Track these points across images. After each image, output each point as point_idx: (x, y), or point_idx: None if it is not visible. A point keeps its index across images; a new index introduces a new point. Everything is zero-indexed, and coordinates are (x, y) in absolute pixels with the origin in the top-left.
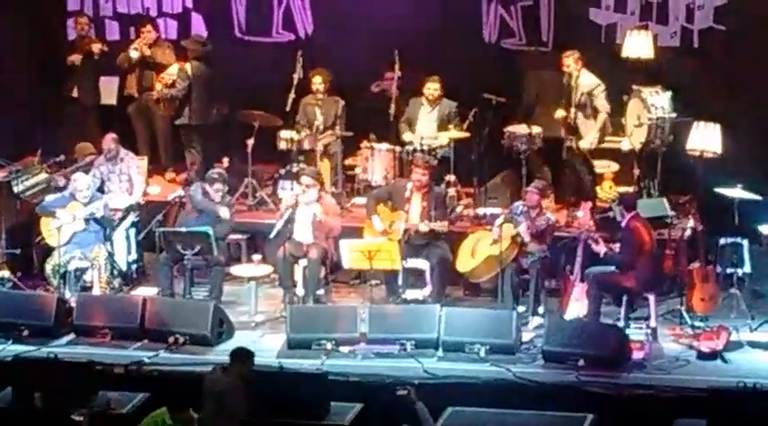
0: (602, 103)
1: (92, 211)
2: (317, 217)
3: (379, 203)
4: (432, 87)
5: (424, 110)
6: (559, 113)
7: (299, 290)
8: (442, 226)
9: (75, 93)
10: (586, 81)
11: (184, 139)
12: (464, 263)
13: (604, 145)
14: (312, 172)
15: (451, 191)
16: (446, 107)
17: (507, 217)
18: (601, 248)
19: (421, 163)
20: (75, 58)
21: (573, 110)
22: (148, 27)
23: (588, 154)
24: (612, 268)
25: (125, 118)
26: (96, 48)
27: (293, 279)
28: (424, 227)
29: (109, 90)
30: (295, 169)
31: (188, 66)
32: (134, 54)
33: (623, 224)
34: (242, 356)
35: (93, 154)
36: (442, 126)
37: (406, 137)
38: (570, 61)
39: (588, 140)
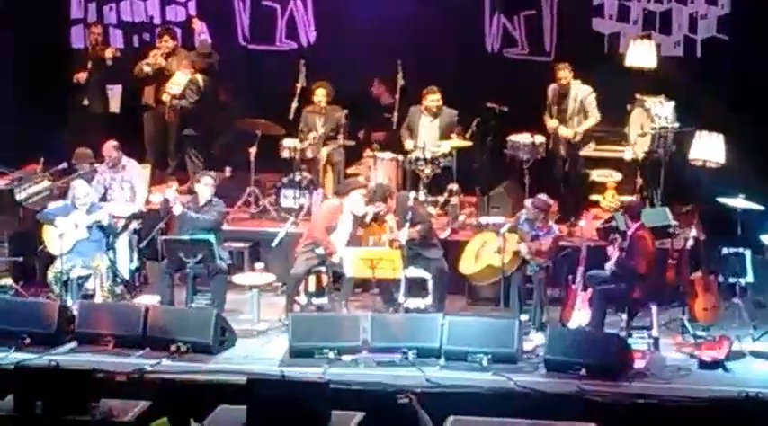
0: (594, 110)
1: (97, 219)
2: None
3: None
4: (433, 99)
5: (426, 119)
6: (552, 123)
7: (302, 299)
8: (419, 231)
9: (85, 102)
10: (580, 89)
11: (188, 148)
12: (466, 265)
13: (607, 154)
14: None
15: (454, 200)
16: (447, 116)
17: (513, 226)
18: (615, 253)
19: (377, 197)
20: (81, 77)
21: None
22: (166, 37)
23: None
24: (609, 275)
25: (129, 126)
26: (110, 52)
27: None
28: (403, 237)
29: (113, 98)
30: (297, 178)
31: (199, 78)
32: (147, 68)
33: (630, 233)
34: None
35: (91, 160)
36: (445, 135)
37: (408, 145)
38: (566, 73)
39: (573, 131)
